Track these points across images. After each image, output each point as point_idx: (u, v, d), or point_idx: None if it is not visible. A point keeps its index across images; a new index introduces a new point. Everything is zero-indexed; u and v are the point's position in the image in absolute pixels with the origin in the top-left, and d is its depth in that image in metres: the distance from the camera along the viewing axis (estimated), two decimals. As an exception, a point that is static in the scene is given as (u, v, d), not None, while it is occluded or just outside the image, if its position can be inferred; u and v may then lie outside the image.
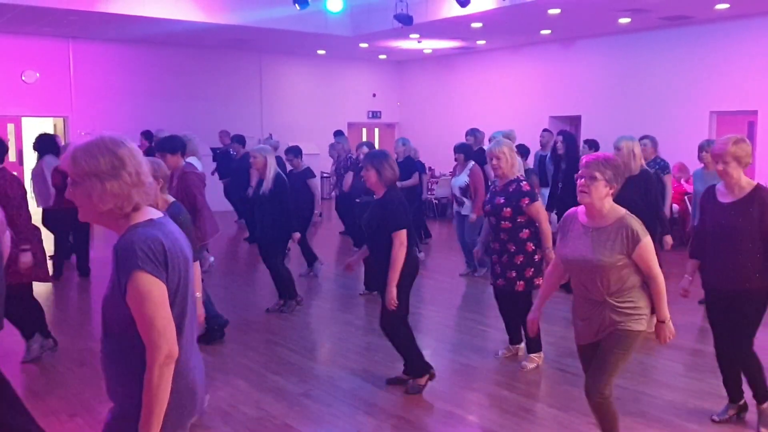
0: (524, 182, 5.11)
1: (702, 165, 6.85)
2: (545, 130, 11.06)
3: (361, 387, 4.91)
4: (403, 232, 4.50)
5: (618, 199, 4.52)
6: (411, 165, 9.90)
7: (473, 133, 9.33)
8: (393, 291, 4.49)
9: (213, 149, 13.28)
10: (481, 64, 16.32)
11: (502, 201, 5.03)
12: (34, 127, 14.49)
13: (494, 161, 5.09)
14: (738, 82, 11.71)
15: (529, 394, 4.81)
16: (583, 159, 3.40)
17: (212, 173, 12.35)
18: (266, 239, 6.75)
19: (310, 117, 16.79)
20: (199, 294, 3.70)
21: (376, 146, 14.06)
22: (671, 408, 4.46)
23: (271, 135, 14.55)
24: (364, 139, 18.21)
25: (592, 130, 13.08)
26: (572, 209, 3.56)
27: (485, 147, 5.50)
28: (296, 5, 10.84)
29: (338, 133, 12.95)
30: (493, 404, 4.63)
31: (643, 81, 13.12)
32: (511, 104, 15.56)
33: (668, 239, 5.91)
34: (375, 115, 18.41)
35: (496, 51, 15.80)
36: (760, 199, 3.77)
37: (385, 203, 4.57)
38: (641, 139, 9.13)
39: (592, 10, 11.18)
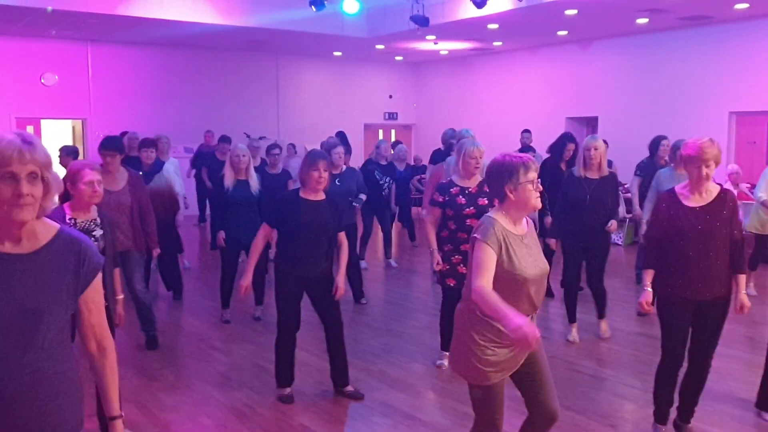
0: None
1: (665, 164, 6.82)
2: (526, 130, 11.19)
3: (377, 388, 4.91)
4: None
5: (592, 199, 4.66)
6: (392, 172, 9.32)
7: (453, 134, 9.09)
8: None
9: (196, 150, 13.27)
10: (498, 66, 16.27)
11: (486, 201, 4.89)
12: (53, 128, 14.68)
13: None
14: (757, 83, 11.58)
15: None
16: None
17: (189, 175, 12.42)
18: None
19: (326, 118, 16.83)
20: (120, 296, 4.02)
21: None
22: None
23: (247, 135, 14.31)
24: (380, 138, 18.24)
25: (610, 131, 12.99)
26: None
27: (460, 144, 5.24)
28: (312, 7, 10.88)
29: (339, 134, 13.04)
30: (507, 405, 4.61)
31: (660, 81, 13.01)
32: (527, 105, 15.50)
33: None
34: (392, 116, 18.42)
35: (512, 52, 15.75)
36: (731, 202, 3.72)
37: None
38: (662, 139, 9.01)
39: (609, 11, 11.11)
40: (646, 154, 7.98)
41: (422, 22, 11.11)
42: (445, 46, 15.25)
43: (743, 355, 5.56)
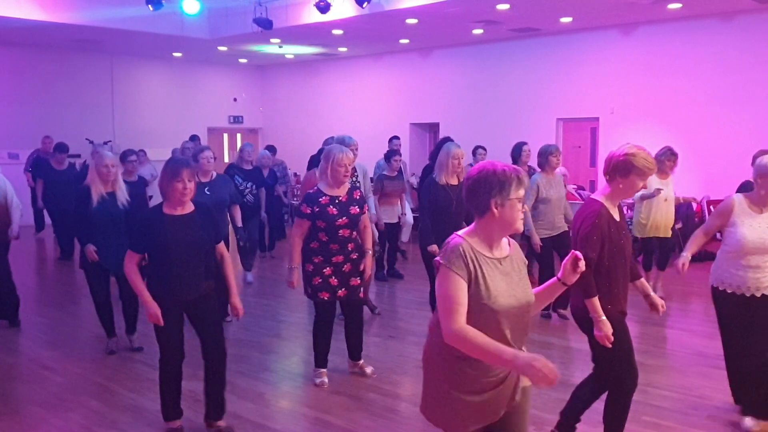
0: (356, 190, 5.01)
1: (530, 170, 7.02)
2: (395, 137, 10.75)
3: (228, 400, 4.75)
4: None
5: (457, 205, 4.54)
6: (256, 177, 8.93)
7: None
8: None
9: (32, 156, 12.33)
10: (344, 71, 16.44)
11: (357, 210, 4.86)
12: None
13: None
14: (581, 91, 12.56)
15: (395, 395, 4.86)
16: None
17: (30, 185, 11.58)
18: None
19: (167, 122, 16.14)
20: None
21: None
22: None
23: (102, 142, 13.57)
24: (226, 145, 17.83)
25: (451, 137, 13.54)
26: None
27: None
28: (149, 6, 10.40)
29: (193, 138, 12.58)
30: (360, 407, 4.64)
31: (496, 90, 13.75)
32: (373, 111, 15.79)
33: None
34: (237, 120, 18.03)
35: (357, 58, 15.99)
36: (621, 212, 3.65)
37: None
38: (477, 149, 9.47)
39: (447, 21, 11.57)
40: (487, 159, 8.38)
41: (265, 24, 10.98)
42: (290, 50, 15.16)
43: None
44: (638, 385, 3.60)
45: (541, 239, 6.43)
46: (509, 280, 2.48)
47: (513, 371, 2.32)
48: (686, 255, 4.19)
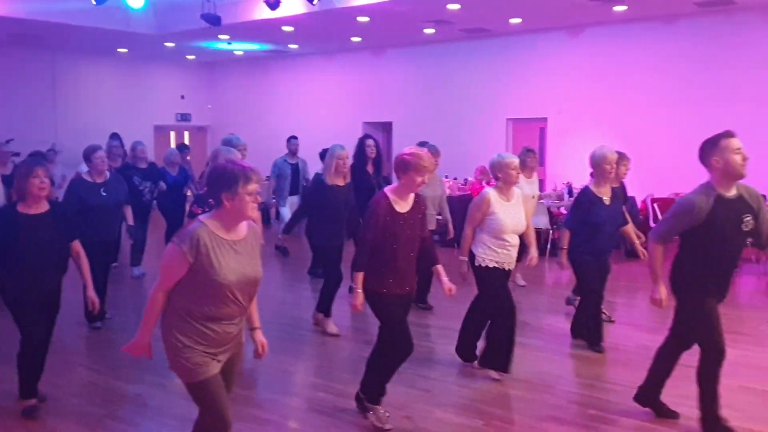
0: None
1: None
2: (293, 137, 10.21)
3: (175, 404, 4.63)
4: None
5: (346, 204, 5.09)
6: (154, 176, 8.71)
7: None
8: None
9: None
10: (295, 69, 16.30)
11: None
12: None
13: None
14: (530, 92, 12.72)
15: (345, 393, 4.81)
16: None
17: None
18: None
19: (112, 120, 15.67)
20: None
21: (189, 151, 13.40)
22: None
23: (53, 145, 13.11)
24: (173, 143, 17.47)
25: (403, 136, 13.58)
26: None
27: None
28: (92, 0, 10.09)
29: (114, 136, 12.25)
30: (311, 408, 4.58)
31: (447, 89, 13.82)
32: (326, 109, 15.70)
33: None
34: (184, 117, 17.71)
35: (309, 56, 15.87)
36: (423, 206, 4.28)
37: None
38: (421, 144, 9.42)
39: (399, 20, 11.57)
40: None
41: (214, 20, 10.77)
42: (239, 47, 14.95)
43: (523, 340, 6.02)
44: (583, 378, 3.63)
45: None
46: (240, 259, 2.93)
47: (141, 340, 3.03)
48: (464, 259, 4.94)
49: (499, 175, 4.89)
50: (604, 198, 5.55)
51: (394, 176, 4.14)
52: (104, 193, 6.17)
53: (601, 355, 5.55)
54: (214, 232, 2.88)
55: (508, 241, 4.86)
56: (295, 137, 10.20)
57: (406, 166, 3.94)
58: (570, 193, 10.36)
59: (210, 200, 2.96)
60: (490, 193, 4.87)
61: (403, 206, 4.02)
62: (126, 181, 6.99)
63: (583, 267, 5.61)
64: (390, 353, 4.12)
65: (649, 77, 11.35)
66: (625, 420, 4.28)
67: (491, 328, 5.03)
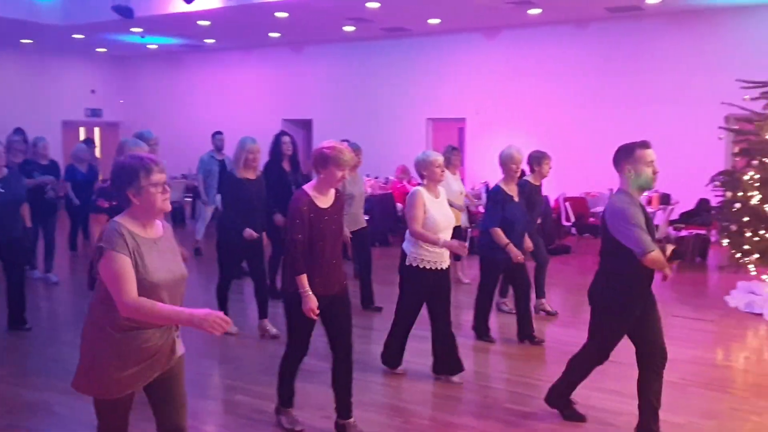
0: None
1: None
2: (219, 132, 10.00)
3: (84, 411, 4.41)
4: None
5: (258, 198, 4.98)
6: (55, 172, 8.35)
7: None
8: None
9: None
10: (213, 64, 15.94)
11: None
12: None
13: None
14: (449, 92, 12.89)
15: (264, 395, 4.73)
16: None
17: None
18: None
19: (17, 115, 14.82)
20: None
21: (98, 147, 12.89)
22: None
23: None
24: (82, 137, 16.73)
25: (323, 134, 13.48)
26: None
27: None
28: (-7, -14, 9.56)
29: (17, 131, 11.70)
30: (227, 410, 4.47)
31: (368, 88, 13.83)
32: (244, 106, 15.42)
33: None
34: (95, 113, 17.01)
35: (226, 51, 15.54)
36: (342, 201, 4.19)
37: None
38: (344, 140, 9.42)
39: (318, 16, 11.49)
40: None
41: (126, 13, 10.39)
42: (153, 41, 14.48)
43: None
44: (501, 373, 3.68)
45: None
46: (164, 257, 2.78)
47: (191, 326, 2.61)
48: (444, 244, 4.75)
49: (424, 173, 4.84)
50: (514, 196, 5.72)
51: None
52: (2, 190, 5.88)
53: (520, 351, 5.66)
54: (132, 231, 2.70)
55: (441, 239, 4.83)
56: (220, 132, 9.95)
57: (326, 160, 3.83)
58: (488, 191, 10.54)
59: (114, 202, 2.77)
60: (421, 191, 4.80)
61: (324, 201, 3.91)
62: (26, 177, 6.69)
63: (492, 266, 5.78)
64: (291, 356, 4.08)
65: (562, 79, 11.71)
66: (544, 413, 4.38)
67: (434, 334, 4.96)
